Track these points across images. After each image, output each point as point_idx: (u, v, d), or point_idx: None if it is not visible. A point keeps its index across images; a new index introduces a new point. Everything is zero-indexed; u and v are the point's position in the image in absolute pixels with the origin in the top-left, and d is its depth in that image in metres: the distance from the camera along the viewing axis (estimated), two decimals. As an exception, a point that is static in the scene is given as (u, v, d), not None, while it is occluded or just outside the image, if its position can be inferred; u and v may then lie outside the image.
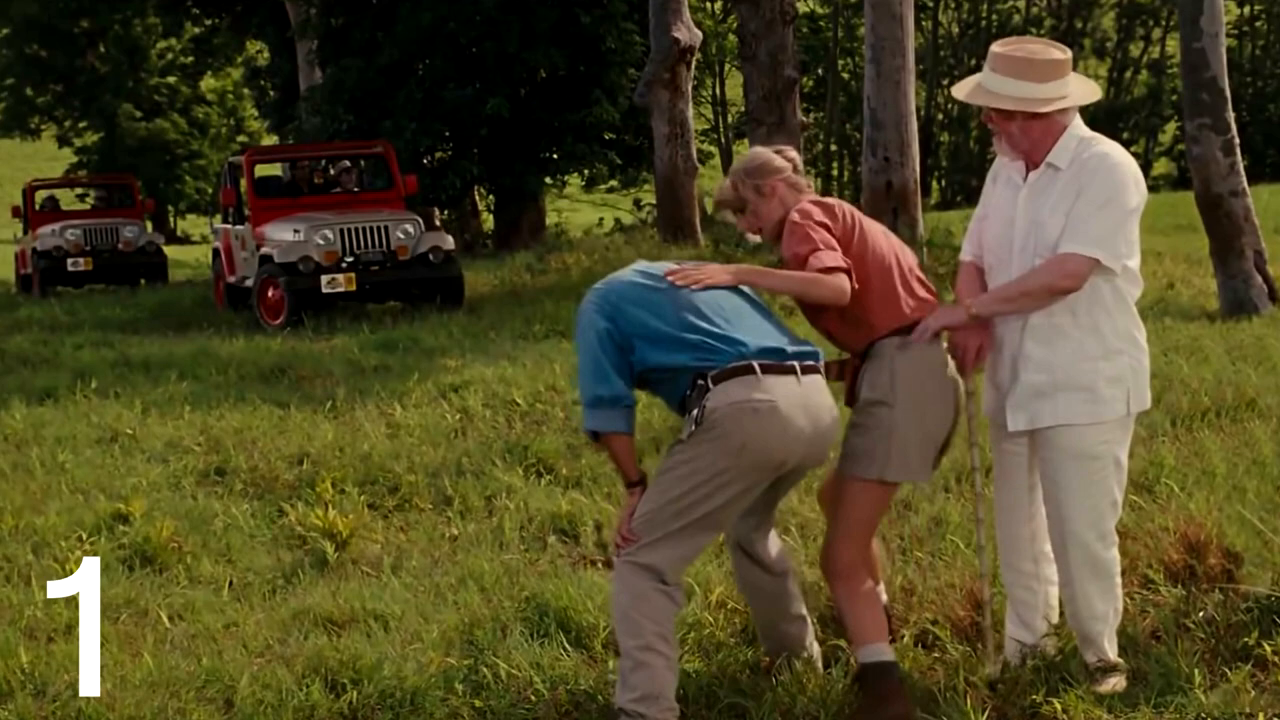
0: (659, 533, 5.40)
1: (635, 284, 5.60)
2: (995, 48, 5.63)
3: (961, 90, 5.72)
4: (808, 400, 5.44)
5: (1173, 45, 52.55)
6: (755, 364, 5.36)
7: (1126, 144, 61.21)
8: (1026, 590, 5.84)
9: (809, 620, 5.99)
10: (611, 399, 5.46)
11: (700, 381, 5.37)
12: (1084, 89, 5.69)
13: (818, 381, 5.53)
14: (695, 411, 5.36)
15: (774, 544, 5.92)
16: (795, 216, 5.68)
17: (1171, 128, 58.20)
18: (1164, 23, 59.84)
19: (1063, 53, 5.62)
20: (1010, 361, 5.61)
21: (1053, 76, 5.53)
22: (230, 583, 7.85)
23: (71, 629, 6.77)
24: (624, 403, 5.47)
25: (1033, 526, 5.81)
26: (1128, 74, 63.69)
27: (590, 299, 5.64)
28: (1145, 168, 60.49)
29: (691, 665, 5.97)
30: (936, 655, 6.07)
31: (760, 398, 5.32)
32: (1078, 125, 5.61)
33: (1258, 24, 60.20)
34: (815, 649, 5.95)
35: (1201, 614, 6.00)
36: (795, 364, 5.46)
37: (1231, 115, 15.39)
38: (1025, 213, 5.56)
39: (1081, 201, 5.42)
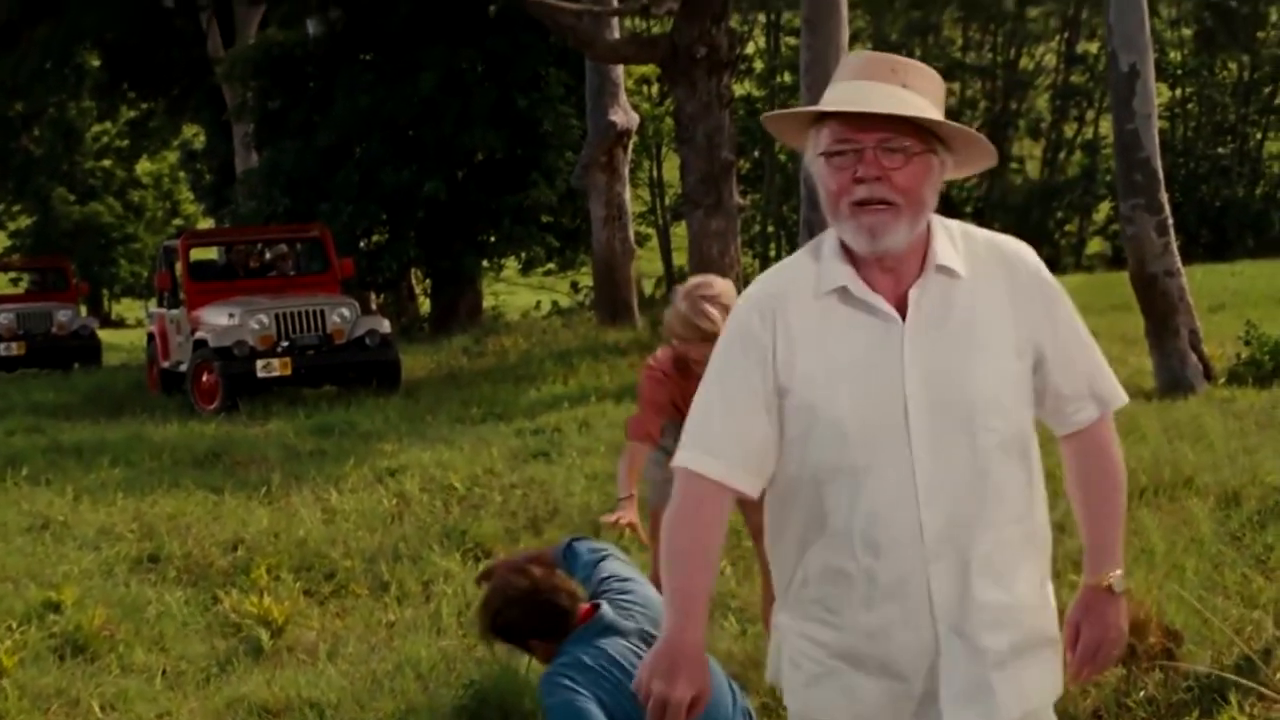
0: None
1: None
2: (864, 55, 3.43)
3: (849, 99, 3.29)
4: None
5: (1106, 126, 53.13)
6: None
7: (1060, 223, 62.20)
8: None
9: None
10: None
11: None
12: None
13: None
14: None
15: None
16: None
17: (1105, 207, 58.74)
18: (1097, 104, 60.53)
19: None
20: (933, 627, 3.32)
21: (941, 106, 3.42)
22: (164, 671, 7.76)
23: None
24: None
25: None
26: (1062, 154, 64.39)
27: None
28: (1079, 246, 61.17)
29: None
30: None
31: None
32: None
33: (1189, 106, 60.87)
34: None
35: (1142, 693, 5.99)
36: None
37: (1165, 196, 15.52)
38: (920, 359, 3.28)
39: (1064, 331, 3.45)
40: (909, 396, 3.26)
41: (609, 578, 5.43)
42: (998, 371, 3.32)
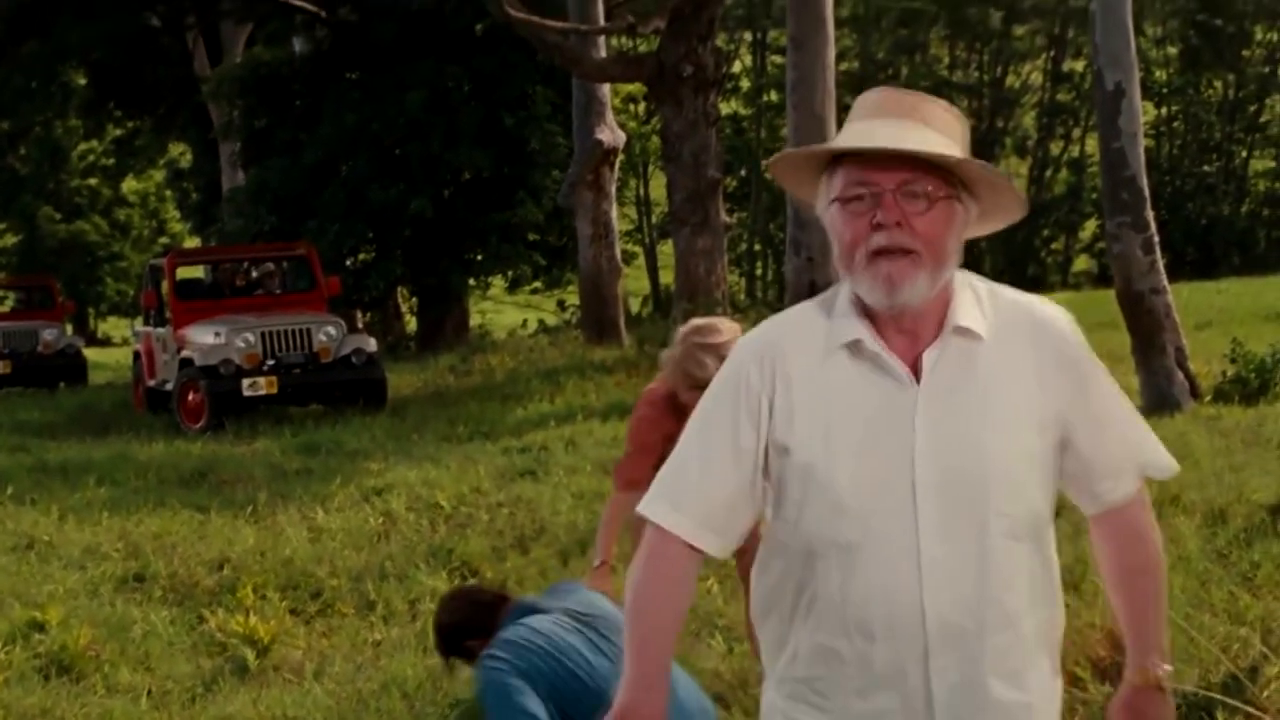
0: None
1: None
2: (882, 91, 3.10)
3: (865, 137, 2.96)
4: None
5: (1092, 144, 53.24)
6: None
7: (1047, 241, 62.28)
8: None
9: None
10: None
11: None
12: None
13: None
14: None
15: None
16: None
17: (1091, 224, 58.82)
18: (1083, 122, 60.63)
19: None
20: None
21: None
22: (149, 691, 7.74)
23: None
24: None
25: None
26: (1048, 172, 64.53)
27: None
28: (1065, 264, 61.28)
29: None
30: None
31: None
32: None
33: (1175, 125, 61.02)
34: None
35: (1130, 712, 5.98)
36: None
37: (1151, 214, 15.52)
38: (932, 428, 2.94)
39: (1096, 402, 3.10)
40: (917, 468, 2.91)
41: (558, 584, 5.59)
42: (1016, 447, 2.96)
